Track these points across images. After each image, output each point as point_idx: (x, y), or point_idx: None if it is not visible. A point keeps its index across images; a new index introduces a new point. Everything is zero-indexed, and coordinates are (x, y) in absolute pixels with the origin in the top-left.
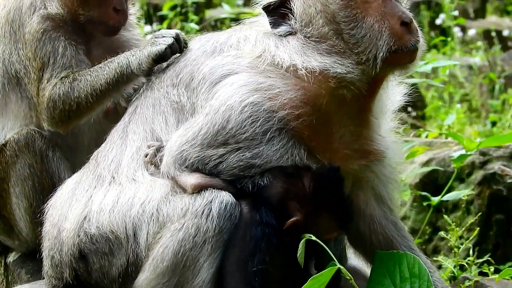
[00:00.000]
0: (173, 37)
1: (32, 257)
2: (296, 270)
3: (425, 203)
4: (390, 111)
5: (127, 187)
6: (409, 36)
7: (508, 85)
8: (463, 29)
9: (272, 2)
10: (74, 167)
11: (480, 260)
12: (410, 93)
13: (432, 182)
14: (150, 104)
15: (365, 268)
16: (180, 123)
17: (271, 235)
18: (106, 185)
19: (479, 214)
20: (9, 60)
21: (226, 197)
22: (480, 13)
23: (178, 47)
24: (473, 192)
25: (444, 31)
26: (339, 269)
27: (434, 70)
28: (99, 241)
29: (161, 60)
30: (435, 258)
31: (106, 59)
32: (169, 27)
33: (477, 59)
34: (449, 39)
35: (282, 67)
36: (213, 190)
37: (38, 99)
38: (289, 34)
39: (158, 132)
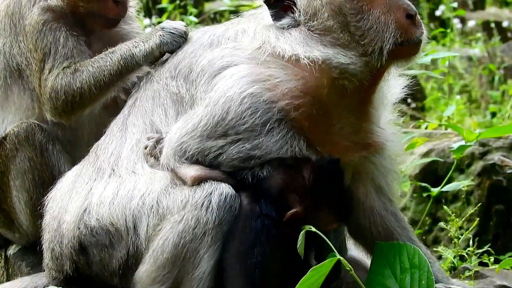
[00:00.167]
0: (183, 31)
1: (32, 250)
2: (296, 262)
3: (425, 194)
4: (390, 103)
5: (127, 180)
6: (415, 29)
7: (508, 76)
8: (463, 21)
9: None
10: (74, 160)
11: (480, 251)
12: (410, 84)
13: (432, 173)
14: (149, 96)
15: (365, 259)
16: (179, 115)
17: (271, 227)
18: (106, 177)
19: (479, 204)
20: (10, 53)
21: (225, 189)
22: (480, 4)
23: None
24: (473, 182)
25: (443, 23)
26: (339, 260)
27: (434, 61)
28: (99, 233)
29: (168, 52)
30: (435, 249)
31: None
32: None
33: (477, 50)
34: (448, 30)
35: (283, 57)
36: (213, 182)
37: (40, 90)
38: (291, 27)
39: (157, 124)
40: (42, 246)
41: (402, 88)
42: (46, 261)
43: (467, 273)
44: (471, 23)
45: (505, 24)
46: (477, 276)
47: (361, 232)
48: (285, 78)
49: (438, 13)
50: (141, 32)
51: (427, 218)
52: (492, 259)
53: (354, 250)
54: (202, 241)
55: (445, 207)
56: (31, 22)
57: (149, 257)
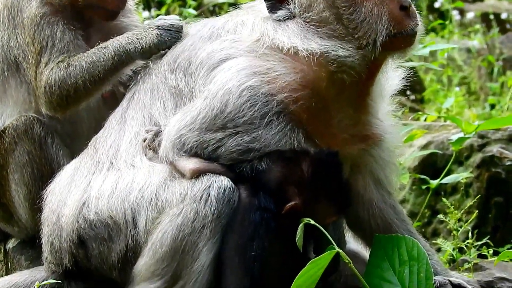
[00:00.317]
0: (180, 26)
1: (31, 244)
2: (295, 254)
3: (424, 186)
4: (388, 95)
5: (126, 173)
6: (408, 20)
7: (507, 67)
8: (462, 12)
9: None
10: (73, 153)
11: (479, 243)
12: (409, 76)
13: (431, 165)
14: (148, 89)
15: (364, 252)
16: (178, 108)
17: (270, 220)
18: (104, 170)
19: (478, 196)
20: (8, 46)
21: (224, 182)
22: None
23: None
24: (471, 175)
25: (442, 14)
26: (338, 253)
27: (433, 53)
28: (98, 226)
29: (163, 49)
30: (434, 241)
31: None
32: (167, 13)
33: (476, 42)
34: (447, 22)
35: (281, 50)
36: (212, 175)
37: (36, 83)
38: (288, 19)
39: (156, 117)
40: (41, 239)
41: (400, 80)
42: (45, 254)
43: (466, 265)
44: (470, 15)
45: (504, 15)
46: (476, 268)
47: (360, 224)
48: (284, 71)
49: (437, 5)
50: (140, 26)
51: (426, 210)
52: (491, 251)
53: (353, 242)
54: (201, 234)
55: (444, 199)
56: (29, 15)
57: (148, 250)
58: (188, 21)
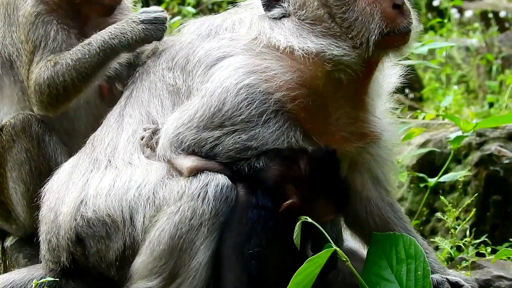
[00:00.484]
0: (164, 17)
1: (29, 242)
2: (293, 253)
3: (422, 185)
4: (386, 93)
5: (124, 171)
6: (402, 19)
7: (505, 66)
8: (460, 11)
9: None
10: (71, 151)
11: (477, 241)
12: (407, 74)
13: (429, 163)
14: (146, 87)
15: (362, 250)
16: (176, 106)
17: (267, 218)
18: (102, 168)
19: (476, 195)
20: (3, 43)
21: (222, 180)
22: None
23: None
24: (470, 173)
25: (441, 13)
26: (335, 251)
27: (432, 51)
28: (96, 224)
29: (150, 42)
30: (432, 239)
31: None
32: (166, 11)
33: (474, 40)
34: (446, 20)
35: (278, 48)
36: (209, 173)
37: (27, 82)
38: (283, 17)
39: (154, 115)
40: (39, 237)
41: (398, 77)
42: (43, 252)
43: (464, 264)
44: (468, 13)
45: (502, 14)
46: (474, 266)
47: (358, 222)
48: (281, 70)
49: (435, 3)
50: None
51: (424, 208)
52: (489, 249)
53: (351, 240)
54: (198, 232)
55: (442, 197)
56: (24, 14)
57: (146, 248)
58: (187, 19)
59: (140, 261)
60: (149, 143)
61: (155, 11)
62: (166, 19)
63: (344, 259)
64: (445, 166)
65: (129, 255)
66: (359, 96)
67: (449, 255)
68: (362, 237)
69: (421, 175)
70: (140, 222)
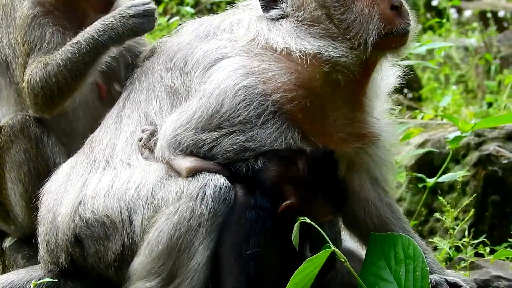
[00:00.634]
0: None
1: (28, 242)
2: (291, 253)
3: (420, 185)
4: (384, 93)
5: (122, 172)
6: (400, 20)
7: (504, 66)
8: (459, 10)
9: None
10: (69, 152)
11: (476, 241)
12: (406, 74)
13: (428, 163)
14: (144, 88)
15: (360, 250)
16: (174, 107)
17: (266, 219)
18: (100, 169)
19: (475, 195)
20: (0, 45)
21: (220, 180)
22: None
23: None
24: (468, 173)
25: (440, 12)
26: (334, 252)
27: (430, 51)
28: (94, 225)
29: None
30: (431, 240)
31: None
32: (165, 11)
33: (473, 40)
34: (444, 20)
35: (275, 50)
36: (208, 173)
37: (22, 84)
38: (281, 18)
39: (152, 117)
40: (37, 238)
41: (397, 78)
42: (42, 253)
43: (462, 264)
44: (467, 13)
45: (501, 14)
46: (472, 266)
47: (356, 223)
48: (279, 72)
49: (434, 3)
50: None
51: (423, 209)
52: (487, 249)
53: (349, 241)
54: (197, 233)
55: (440, 198)
56: (21, 15)
57: (144, 249)
58: (185, 19)
59: (139, 262)
60: (148, 145)
61: (143, 3)
62: (155, 10)
63: (343, 260)
64: (444, 166)
65: (128, 255)
66: (356, 97)
67: (447, 255)
68: (360, 238)
69: (419, 175)
70: (139, 223)
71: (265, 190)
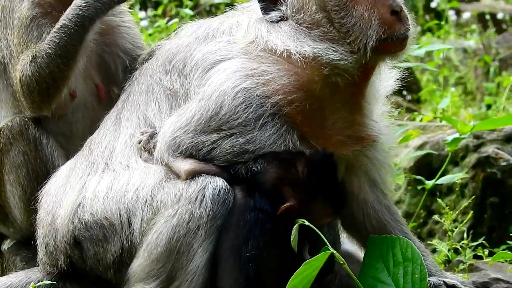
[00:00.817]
0: None
1: (27, 245)
2: (290, 255)
3: (419, 187)
4: (383, 96)
5: (121, 174)
6: (399, 25)
7: (503, 67)
8: (458, 12)
9: None
10: (68, 154)
11: (475, 243)
12: (405, 76)
13: (426, 165)
14: (143, 90)
15: (359, 253)
16: (173, 109)
17: (265, 221)
18: (100, 172)
19: (474, 197)
20: None
21: (219, 183)
22: None
23: None
24: (467, 175)
25: (438, 14)
26: (332, 254)
27: (429, 53)
28: (93, 227)
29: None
30: (429, 242)
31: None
32: (164, 13)
33: (472, 42)
34: (443, 22)
35: (275, 52)
36: (207, 176)
37: (15, 82)
38: (281, 20)
39: (151, 119)
40: (36, 240)
41: (396, 81)
42: (41, 255)
43: (461, 266)
44: (466, 15)
45: (500, 15)
46: (471, 269)
47: (355, 225)
48: (278, 74)
49: (433, 4)
50: (132, 27)
51: (421, 211)
52: (486, 252)
53: (348, 243)
54: (196, 235)
55: (439, 200)
56: (19, 16)
57: (143, 251)
58: (184, 21)
59: (138, 264)
60: (147, 147)
61: None
62: None
63: (341, 262)
64: (443, 168)
65: (127, 258)
66: (355, 99)
67: (446, 258)
68: (359, 240)
69: (418, 177)
70: (138, 225)
71: (264, 192)
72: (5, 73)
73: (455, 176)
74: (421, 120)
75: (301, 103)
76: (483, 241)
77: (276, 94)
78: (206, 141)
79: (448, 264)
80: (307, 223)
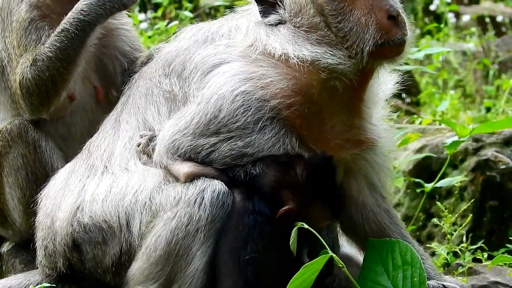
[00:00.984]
0: None
1: (26, 247)
2: (289, 258)
3: (418, 190)
4: (382, 99)
5: (120, 177)
6: (396, 30)
7: (502, 70)
8: (457, 15)
9: None
10: (67, 156)
11: (474, 247)
12: (404, 79)
13: (426, 168)
14: (142, 93)
15: (358, 256)
16: (172, 112)
17: (264, 224)
18: (99, 174)
19: (473, 200)
20: None
21: (218, 185)
22: None
23: None
24: (466, 178)
25: (438, 17)
26: (331, 257)
27: (428, 55)
28: (92, 230)
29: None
30: (428, 245)
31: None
32: (163, 15)
33: (471, 45)
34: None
35: (273, 56)
36: (206, 179)
37: (14, 86)
38: (279, 23)
39: (150, 122)
40: (35, 243)
41: (395, 84)
42: (40, 258)
43: (460, 270)
44: (465, 18)
45: (499, 18)
46: (470, 272)
47: (354, 228)
48: (277, 78)
49: (432, 7)
50: (130, 29)
51: (420, 214)
52: (485, 255)
53: (347, 246)
54: (194, 238)
55: (438, 203)
56: (18, 19)
57: (142, 254)
58: (184, 24)
59: (137, 267)
60: (146, 150)
61: None
62: None
63: (340, 265)
64: (442, 171)
65: (126, 260)
66: (354, 103)
67: (445, 261)
68: (358, 243)
69: (417, 180)
70: (137, 227)
71: (263, 196)
72: (3, 75)
73: (454, 179)
74: (420, 123)
75: (300, 107)
76: (482, 244)
77: (274, 98)
78: (205, 144)
79: (447, 268)
80: (306, 226)
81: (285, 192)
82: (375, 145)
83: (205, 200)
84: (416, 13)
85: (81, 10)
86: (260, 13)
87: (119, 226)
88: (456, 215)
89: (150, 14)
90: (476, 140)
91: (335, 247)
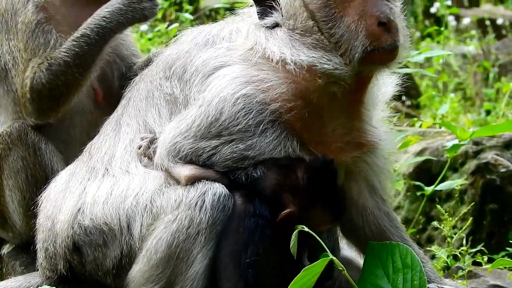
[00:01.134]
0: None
1: (26, 249)
2: (289, 261)
3: (418, 193)
4: (382, 102)
5: (121, 179)
6: (386, 36)
7: (502, 73)
8: (457, 18)
9: None
10: (67, 159)
11: (474, 250)
12: (404, 82)
13: (426, 171)
14: (143, 96)
15: (358, 259)
16: (173, 115)
17: (265, 227)
18: (99, 177)
19: (473, 203)
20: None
21: (219, 188)
22: (474, 2)
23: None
24: (466, 181)
25: (438, 20)
26: (332, 260)
27: (429, 59)
28: (93, 233)
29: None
30: (428, 248)
31: None
32: (163, 17)
33: (471, 47)
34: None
35: (272, 60)
36: (207, 181)
37: (22, 91)
38: (276, 26)
39: (151, 124)
40: (35, 245)
41: (395, 86)
42: (40, 260)
43: (460, 273)
44: (465, 21)
45: (499, 21)
46: (470, 275)
47: (354, 231)
48: (277, 82)
49: (433, 10)
50: (128, 34)
51: (420, 217)
52: (485, 258)
53: (347, 249)
54: (195, 241)
55: (438, 206)
56: (24, 21)
57: (143, 256)
58: (184, 26)
59: (137, 270)
60: (147, 152)
61: None
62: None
63: (341, 268)
64: (442, 174)
65: (126, 263)
66: (354, 106)
67: (445, 264)
68: (358, 246)
69: (417, 183)
70: (137, 230)
71: (264, 199)
72: (7, 79)
73: (455, 182)
74: (420, 126)
75: (300, 110)
76: (482, 248)
77: (275, 101)
78: (206, 147)
79: (447, 271)
80: (306, 229)
81: (286, 195)
82: (376, 147)
83: (206, 203)
84: (416, 15)
85: (104, 17)
86: (258, 15)
87: (120, 229)
88: (456, 218)
89: None
90: (476, 143)
91: (335, 250)
